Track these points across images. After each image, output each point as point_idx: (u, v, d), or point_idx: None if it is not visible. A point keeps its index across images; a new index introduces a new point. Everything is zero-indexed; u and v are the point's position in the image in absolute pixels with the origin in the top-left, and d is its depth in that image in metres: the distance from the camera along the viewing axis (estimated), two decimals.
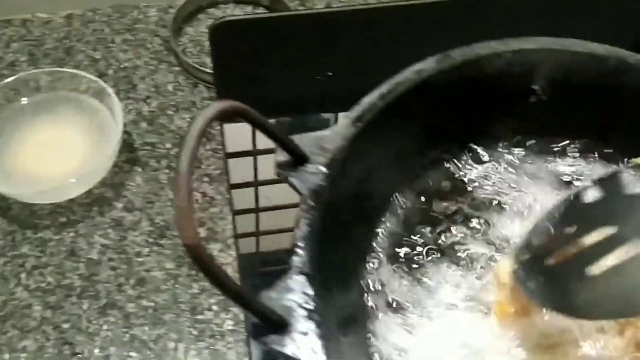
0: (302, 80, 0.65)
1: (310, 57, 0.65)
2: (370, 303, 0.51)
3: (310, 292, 0.39)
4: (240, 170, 0.68)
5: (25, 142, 0.68)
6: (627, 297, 0.40)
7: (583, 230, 0.44)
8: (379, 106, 0.49)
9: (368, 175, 0.50)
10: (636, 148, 0.56)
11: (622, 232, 0.41)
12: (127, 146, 0.71)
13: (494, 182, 0.59)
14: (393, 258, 0.54)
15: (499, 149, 0.59)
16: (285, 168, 0.45)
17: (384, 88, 0.50)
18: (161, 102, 0.74)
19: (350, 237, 0.49)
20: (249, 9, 0.80)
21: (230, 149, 0.69)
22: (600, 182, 0.47)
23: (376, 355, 0.48)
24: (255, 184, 0.68)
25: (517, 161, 0.59)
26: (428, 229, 0.56)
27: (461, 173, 0.58)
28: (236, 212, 0.64)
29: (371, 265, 0.53)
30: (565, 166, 0.59)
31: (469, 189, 0.58)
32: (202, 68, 0.75)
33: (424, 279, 0.53)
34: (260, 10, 0.80)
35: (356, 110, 0.49)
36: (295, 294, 0.40)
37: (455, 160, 0.58)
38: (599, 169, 0.58)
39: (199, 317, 0.61)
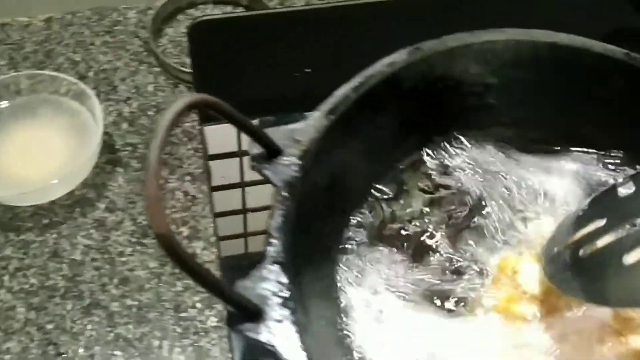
0: (281, 78, 0.65)
1: (288, 54, 0.66)
2: (343, 292, 0.52)
3: (285, 280, 0.40)
4: (227, 171, 0.68)
5: (6, 145, 0.69)
6: None
7: (616, 222, 0.44)
8: (351, 98, 0.50)
9: (342, 167, 0.51)
10: (610, 138, 0.57)
11: None
12: (109, 147, 0.71)
13: (469, 172, 0.59)
14: (367, 249, 0.55)
15: (473, 140, 0.60)
16: (260, 161, 0.46)
17: (356, 81, 0.51)
18: (142, 103, 0.75)
19: (324, 227, 0.50)
20: (228, 9, 0.81)
21: (216, 150, 0.69)
22: (633, 177, 0.47)
23: (348, 340, 0.49)
24: (242, 184, 0.68)
25: (492, 151, 0.60)
26: (403, 220, 0.57)
27: (436, 163, 0.59)
28: (217, 215, 0.64)
29: (345, 255, 0.54)
30: (539, 157, 0.59)
31: (444, 179, 0.59)
32: (182, 68, 0.75)
33: (400, 270, 0.54)
34: (240, 10, 0.80)
35: (329, 103, 0.50)
36: (269, 282, 0.40)
37: (429, 151, 0.59)
38: (572, 162, 0.60)
39: (183, 314, 0.62)
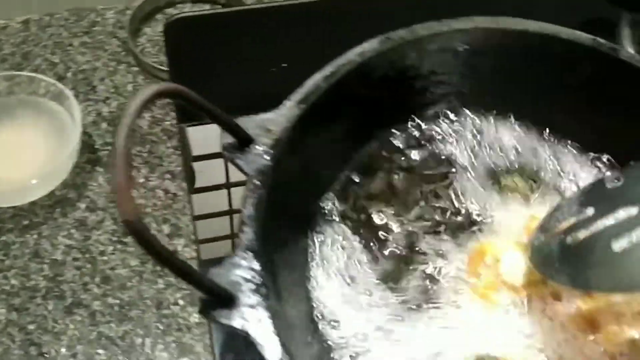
0: (258, 73, 0.66)
1: (264, 50, 0.66)
2: (316, 278, 0.52)
3: (257, 267, 0.40)
4: (212, 172, 0.68)
5: None
6: None
7: (604, 211, 0.45)
8: (322, 88, 0.50)
9: (314, 155, 0.51)
10: (580, 124, 0.58)
11: None
12: (88, 147, 0.71)
13: (441, 157, 0.60)
14: (339, 235, 0.55)
15: (444, 125, 0.61)
16: (231, 150, 0.46)
17: (327, 70, 0.51)
18: (121, 102, 0.75)
19: (297, 214, 0.50)
20: (206, 7, 0.81)
21: (200, 151, 0.69)
22: (624, 170, 0.49)
23: (320, 325, 0.50)
24: (227, 185, 0.68)
25: (462, 134, 0.61)
26: (375, 205, 0.57)
27: (408, 150, 0.59)
28: (202, 216, 0.64)
29: (318, 241, 0.54)
30: (507, 139, 0.60)
31: (416, 165, 0.59)
32: (160, 67, 0.75)
33: (371, 255, 0.55)
34: (217, 8, 0.80)
35: (300, 93, 0.50)
36: (242, 269, 0.40)
37: (402, 138, 0.59)
38: (542, 147, 0.61)
39: (165, 311, 0.62)
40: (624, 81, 0.55)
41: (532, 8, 0.57)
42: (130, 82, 0.76)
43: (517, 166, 0.60)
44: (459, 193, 0.58)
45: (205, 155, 0.70)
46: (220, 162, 0.68)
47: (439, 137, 0.60)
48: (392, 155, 0.59)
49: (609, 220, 0.44)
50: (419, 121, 0.59)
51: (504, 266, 0.53)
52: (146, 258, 0.64)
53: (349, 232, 0.55)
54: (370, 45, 0.53)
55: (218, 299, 0.39)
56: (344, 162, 0.56)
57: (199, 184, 0.68)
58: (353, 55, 0.53)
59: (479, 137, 0.61)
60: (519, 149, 0.61)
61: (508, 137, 0.61)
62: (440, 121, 0.60)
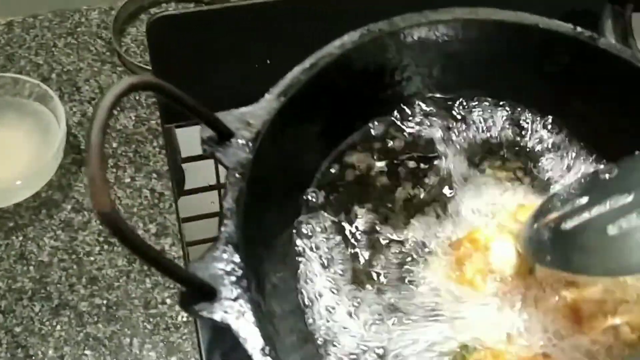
0: (241, 70, 0.65)
1: (247, 47, 0.66)
2: (300, 268, 0.52)
3: (238, 260, 0.40)
4: (203, 173, 0.68)
5: None
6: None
7: (598, 199, 0.46)
8: (302, 80, 0.50)
9: (295, 147, 0.51)
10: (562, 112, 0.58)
11: (636, 199, 0.44)
12: (74, 148, 0.70)
13: (421, 146, 0.60)
14: (320, 227, 0.55)
15: (425, 115, 0.60)
16: (211, 144, 0.46)
17: (307, 62, 0.51)
18: None
19: (279, 206, 0.50)
20: (190, 6, 0.81)
21: (190, 152, 0.69)
22: (618, 163, 0.49)
23: (305, 315, 0.50)
24: (218, 186, 0.67)
25: (443, 124, 0.60)
26: (357, 197, 0.57)
27: (389, 140, 0.59)
28: (191, 218, 0.64)
29: (300, 233, 0.54)
30: (487, 127, 0.61)
31: (397, 155, 0.59)
32: (145, 67, 0.75)
33: (354, 247, 0.54)
34: (201, 6, 0.80)
35: (280, 85, 0.50)
36: (223, 262, 0.40)
37: (382, 129, 0.59)
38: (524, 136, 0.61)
39: (153, 311, 0.61)
40: (603, 69, 0.55)
41: (517, 2, 0.57)
42: (115, 82, 0.76)
43: (500, 154, 0.60)
44: (442, 182, 0.58)
45: (195, 156, 0.69)
46: (210, 163, 0.67)
47: (419, 127, 0.60)
48: (372, 146, 0.59)
49: (603, 208, 0.45)
50: (398, 112, 0.59)
51: (493, 254, 0.53)
52: (133, 258, 0.64)
53: (331, 222, 0.55)
54: (349, 38, 0.53)
55: (199, 292, 0.38)
56: (325, 153, 0.56)
57: (188, 185, 0.68)
58: (333, 47, 0.52)
59: (459, 126, 0.61)
60: (501, 137, 0.61)
61: (489, 125, 0.61)
62: (421, 111, 0.60)
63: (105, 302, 0.62)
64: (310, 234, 0.53)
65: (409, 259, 0.53)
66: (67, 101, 0.74)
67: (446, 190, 0.58)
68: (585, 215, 0.46)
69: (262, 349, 0.38)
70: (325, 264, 0.52)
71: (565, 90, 0.58)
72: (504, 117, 0.60)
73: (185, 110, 0.41)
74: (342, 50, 0.52)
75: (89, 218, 0.66)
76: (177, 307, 0.61)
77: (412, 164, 0.59)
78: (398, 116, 0.59)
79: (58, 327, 0.60)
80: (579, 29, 0.55)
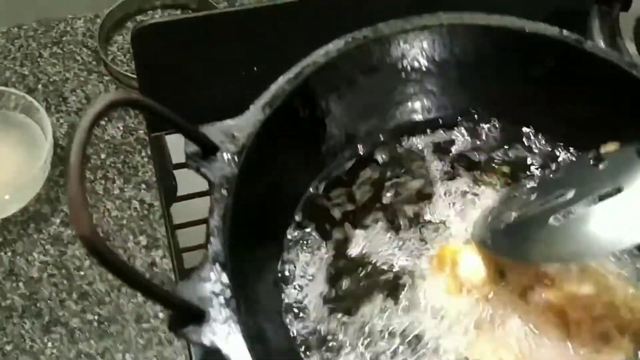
0: (228, 78, 0.64)
1: (234, 54, 0.65)
2: (287, 285, 0.51)
3: (226, 280, 0.39)
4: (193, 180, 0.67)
5: None
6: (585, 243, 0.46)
7: (545, 195, 0.50)
8: (287, 90, 0.49)
9: (282, 161, 0.50)
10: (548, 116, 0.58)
11: (579, 193, 0.48)
12: (61, 160, 0.69)
13: (408, 157, 0.59)
14: (310, 242, 0.54)
15: (410, 123, 0.60)
16: (195, 159, 0.45)
17: (292, 72, 0.50)
18: None
19: (266, 222, 0.49)
20: (177, 13, 0.80)
21: (181, 159, 0.68)
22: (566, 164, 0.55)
23: (294, 334, 0.49)
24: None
25: (429, 131, 0.60)
26: (345, 210, 0.57)
27: (375, 152, 0.59)
28: (184, 225, 0.63)
29: (288, 249, 0.53)
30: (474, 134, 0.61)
31: (384, 166, 0.59)
32: (132, 75, 0.74)
33: (341, 263, 0.54)
34: (187, 13, 0.79)
35: (264, 97, 0.49)
36: (211, 283, 0.39)
37: (367, 141, 0.58)
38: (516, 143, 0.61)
39: (145, 325, 0.61)
40: (590, 72, 0.55)
41: (503, 3, 0.57)
42: (102, 91, 0.75)
43: (483, 159, 0.60)
44: (427, 192, 0.58)
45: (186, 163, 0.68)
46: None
47: (405, 137, 0.59)
48: (359, 158, 0.58)
49: (548, 202, 0.49)
50: (385, 123, 0.58)
51: (462, 267, 0.53)
52: None
53: (318, 238, 0.54)
54: (334, 46, 0.52)
55: (187, 315, 0.38)
56: (315, 170, 0.55)
57: (181, 191, 0.67)
58: (317, 56, 0.52)
59: (445, 133, 0.60)
60: (487, 146, 0.60)
61: (476, 132, 0.61)
62: (407, 119, 0.59)
63: (96, 317, 0.61)
64: (297, 249, 0.53)
65: (394, 274, 0.53)
66: (54, 112, 0.73)
67: (431, 205, 0.57)
68: (532, 209, 0.50)
69: None
70: (313, 279, 0.51)
71: (551, 94, 0.57)
72: (489, 124, 0.60)
73: (167, 124, 0.40)
74: (327, 58, 0.51)
75: None
76: None
77: (397, 177, 0.58)
78: (385, 133, 0.58)
79: (50, 345, 0.60)
80: (565, 32, 0.55)
